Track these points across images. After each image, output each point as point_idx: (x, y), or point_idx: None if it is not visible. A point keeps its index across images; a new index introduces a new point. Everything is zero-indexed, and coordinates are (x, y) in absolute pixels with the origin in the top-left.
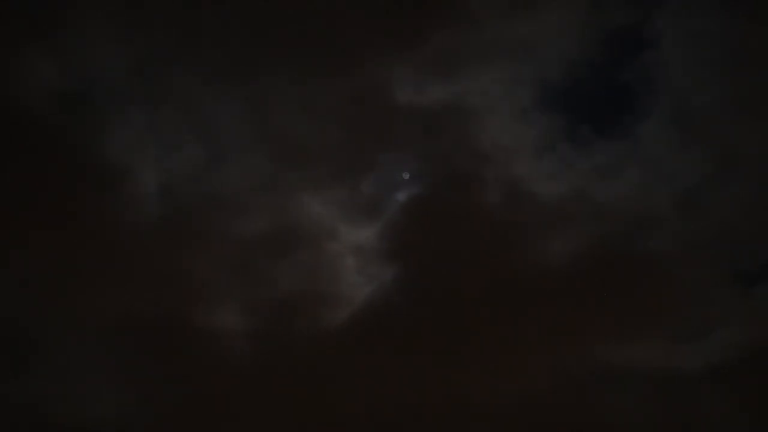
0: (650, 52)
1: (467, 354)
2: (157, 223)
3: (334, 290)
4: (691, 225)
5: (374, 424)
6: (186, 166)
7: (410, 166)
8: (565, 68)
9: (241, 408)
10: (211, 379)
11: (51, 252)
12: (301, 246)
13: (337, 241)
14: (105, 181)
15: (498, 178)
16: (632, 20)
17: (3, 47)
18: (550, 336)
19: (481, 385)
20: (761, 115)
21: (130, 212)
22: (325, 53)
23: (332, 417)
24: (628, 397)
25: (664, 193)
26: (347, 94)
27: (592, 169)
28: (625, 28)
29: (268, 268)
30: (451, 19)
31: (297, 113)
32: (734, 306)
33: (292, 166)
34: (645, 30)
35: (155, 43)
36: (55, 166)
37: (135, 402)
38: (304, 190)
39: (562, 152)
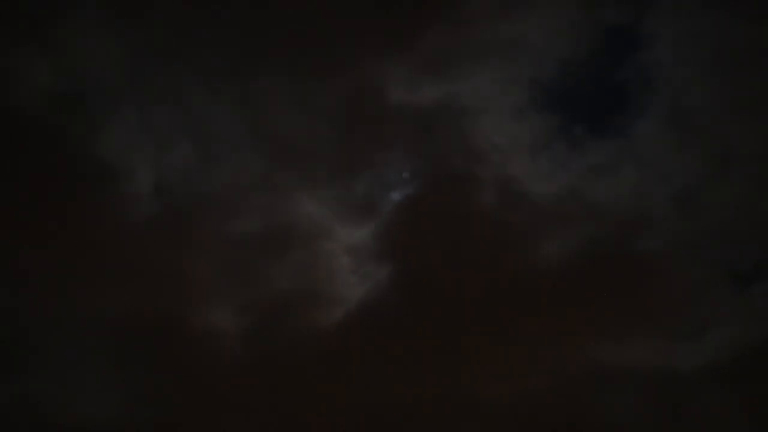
0: (645, 51)
1: (463, 354)
2: (151, 222)
3: (329, 290)
4: (687, 225)
5: (370, 423)
6: (180, 166)
7: (405, 166)
8: (560, 67)
9: (236, 407)
10: (206, 379)
11: (45, 252)
12: (295, 245)
13: (332, 240)
14: (98, 180)
15: (493, 177)
16: (627, 19)
17: None
18: (546, 335)
19: (476, 385)
20: (757, 115)
21: (123, 212)
22: (320, 52)
23: (328, 416)
24: (625, 397)
25: (660, 193)
26: (341, 93)
27: (587, 168)
28: (620, 27)
29: (263, 267)
30: (445, 19)
31: (291, 112)
32: (730, 306)
33: (287, 165)
34: (640, 29)
35: (148, 43)
36: (48, 166)
37: (130, 401)
38: (298, 189)
39: (557, 152)
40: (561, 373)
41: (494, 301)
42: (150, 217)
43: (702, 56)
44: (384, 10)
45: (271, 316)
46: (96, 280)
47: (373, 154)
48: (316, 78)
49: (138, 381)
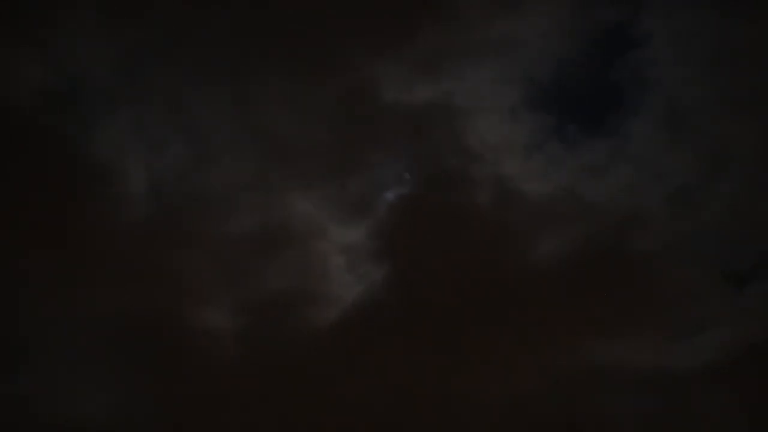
0: (639, 51)
1: (458, 353)
2: (145, 222)
3: (325, 289)
4: (683, 224)
5: (366, 422)
6: (174, 165)
7: (405, 166)
8: (554, 67)
9: (232, 407)
10: (202, 378)
11: (40, 252)
12: (291, 245)
13: (327, 240)
14: (93, 180)
15: (487, 177)
16: (621, 18)
17: None
18: (541, 335)
19: (471, 385)
20: (752, 114)
21: (118, 211)
22: (314, 52)
23: (323, 416)
24: (621, 396)
25: (655, 192)
26: (336, 93)
27: (581, 168)
28: (613, 26)
29: (258, 266)
30: (438, 18)
31: (285, 112)
32: (725, 305)
33: (281, 165)
34: (634, 28)
35: (142, 42)
36: (42, 166)
37: (125, 401)
38: (293, 189)
39: (551, 151)
40: (556, 373)
41: (490, 300)
42: (145, 217)
43: (696, 55)
44: (377, 11)
45: (267, 315)
46: (91, 280)
47: (368, 154)
48: (310, 78)
49: (134, 380)
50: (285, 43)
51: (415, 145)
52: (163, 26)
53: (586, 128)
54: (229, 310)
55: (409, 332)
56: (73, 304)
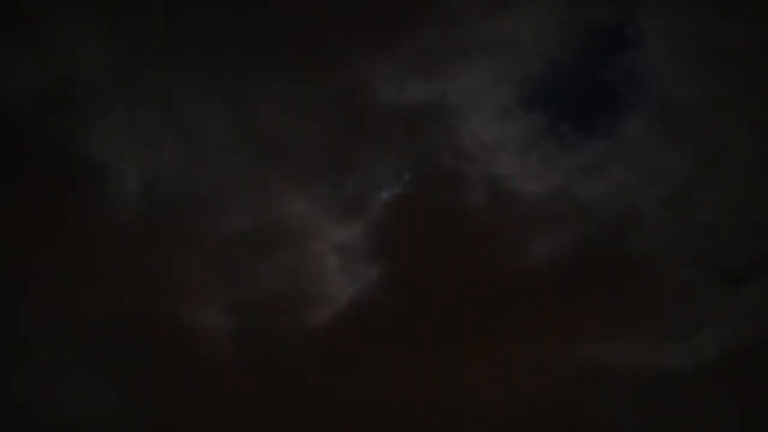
0: (633, 50)
1: (454, 353)
2: (139, 222)
3: (319, 289)
4: (678, 224)
5: (361, 423)
6: (168, 165)
7: (394, 165)
8: (548, 66)
9: (227, 407)
10: (197, 378)
11: (34, 252)
12: (285, 245)
13: (322, 239)
14: (87, 180)
15: (481, 176)
16: (615, 18)
17: None
18: (537, 335)
19: (467, 385)
20: (746, 113)
21: (112, 212)
22: (308, 52)
23: (318, 416)
24: (615, 396)
25: (649, 192)
26: (330, 92)
27: (575, 167)
28: (607, 25)
29: (253, 266)
30: (432, 17)
31: (279, 111)
32: (721, 305)
33: (275, 164)
34: (628, 27)
35: (135, 42)
36: (36, 166)
37: (120, 401)
38: (287, 188)
39: (545, 151)
40: (552, 373)
41: (485, 300)
42: (139, 217)
43: (691, 55)
44: (371, 10)
45: (262, 315)
46: (86, 281)
47: (363, 154)
48: (305, 77)
49: (130, 380)
50: (279, 43)
51: (410, 145)
52: (157, 26)
53: (580, 128)
54: (225, 310)
55: (404, 332)
56: (67, 304)
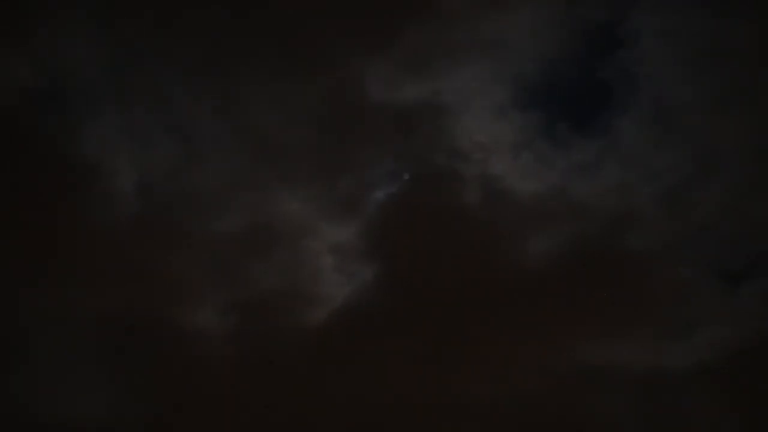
0: (628, 49)
1: (449, 353)
2: (134, 222)
3: (315, 288)
4: (674, 223)
5: (356, 423)
6: (163, 165)
7: (388, 165)
8: (543, 65)
9: (222, 407)
10: (192, 378)
11: (28, 252)
12: (280, 244)
13: (317, 239)
14: (80, 180)
15: (477, 176)
16: (610, 17)
17: None
18: (533, 335)
19: (463, 385)
20: (743, 112)
21: (107, 211)
22: (302, 52)
23: (314, 416)
24: (613, 396)
25: (645, 191)
26: (324, 92)
27: (571, 167)
28: (602, 24)
29: (248, 266)
30: (426, 17)
31: (273, 111)
32: (719, 305)
33: (269, 164)
34: (623, 26)
35: (129, 41)
36: (30, 166)
37: (117, 401)
38: (282, 188)
39: (540, 150)
40: (548, 373)
41: (480, 300)
42: (134, 217)
43: (686, 54)
44: (365, 10)
45: (257, 315)
46: (80, 280)
47: (358, 153)
48: (299, 77)
49: (124, 380)
50: (273, 43)
51: (405, 144)
52: (151, 26)
53: (575, 127)
54: (220, 309)
55: (400, 332)
56: (63, 304)
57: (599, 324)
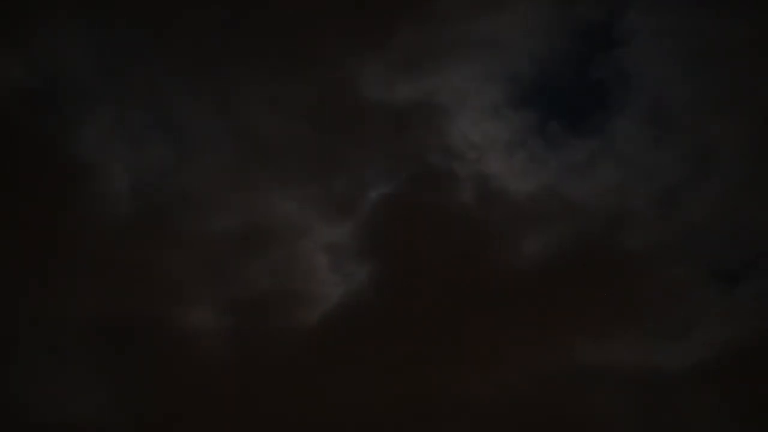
0: (622, 48)
1: (444, 353)
2: (128, 222)
3: (309, 288)
4: (669, 223)
5: (351, 422)
6: (157, 165)
7: (383, 164)
8: (537, 65)
9: (217, 406)
10: (187, 378)
11: (23, 252)
12: (274, 244)
13: (311, 239)
14: (74, 180)
15: (471, 175)
16: (604, 16)
17: None
18: (528, 335)
19: (457, 385)
20: (738, 112)
21: (101, 211)
22: (296, 51)
23: (309, 416)
24: (609, 396)
25: (640, 191)
26: (318, 91)
27: (565, 166)
28: (596, 23)
29: (242, 266)
30: (420, 16)
31: (268, 111)
32: (715, 305)
33: (265, 164)
34: (617, 25)
35: (122, 41)
36: (23, 166)
37: (112, 401)
38: (276, 188)
39: (534, 149)
40: (544, 372)
41: (475, 299)
42: (128, 217)
43: (681, 53)
44: (358, 9)
45: (252, 315)
46: (73, 280)
47: (352, 153)
48: (293, 77)
49: (119, 381)
50: (268, 43)
51: (399, 144)
52: (144, 25)
53: (569, 127)
54: (214, 309)
55: (395, 332)
56: (58, 305)
57: (595, 324)
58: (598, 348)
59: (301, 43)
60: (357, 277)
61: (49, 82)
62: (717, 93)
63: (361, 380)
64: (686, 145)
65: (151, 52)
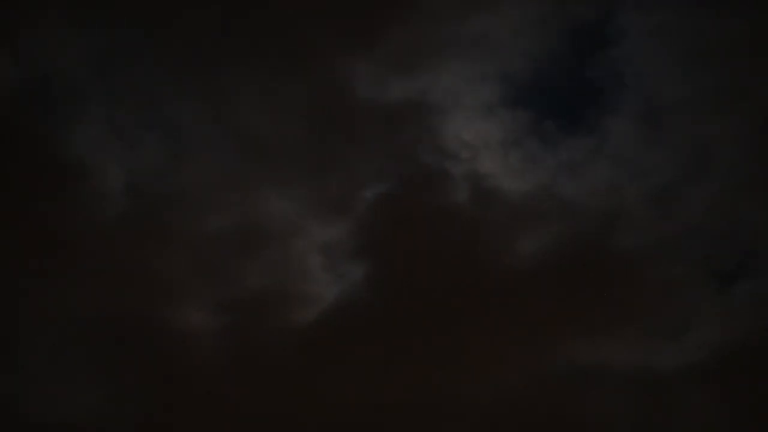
0: (616, 47)
1: (439, 353)
2: (122, 221)
3: (304, 288)
4: (665, 222)
5: (347, 422)
6: (150, 164)
7: (377, 164)
8: (531, 64)
9: (212, 406)
10: (182, 377)
11: (18, 252)
12: (269, 244)
13: (306, 238)
14: (68, 179)
15: (465, 175)
16: (598, 15)
17: None
18: (523, 334)
19: (454, 384)
20: (733, 111)
21: (95, 211)
22: (289, 51)
23: (304, 416)
24: (604, 396)
25: (635, 190)
26: (312, 91)
27: (560, 165)
28: (590, 22)
29: (237, 265)
30: (413, 16)
31: (261, 110)
32: (711, 305)
33: (259, 163)
34: (611, 24)
35: (117, 40)
36: (18, 166)
37: (106, 401)
38: (271, 187)
39: (529, 149)
40: (539, 372)
41: (470, 299)
42: (122, 216)
43: (675, 52)
44: (351, 9)
45: (247, 314)
46: (68, 280)
47: (346, 152)
48: (287, 76)
49: (115, 380)
50: (261, 43)
51: (393, 144)
52: (138, 24)
53: (564, 126)
54: (209, 309)
55: (390, 331)
56: (51, 304)
57: (590, 324)
58: (593, 348)
59: (295, 43)
60: (352, 277)
61: (44, 82)
62: (711, 92)
63: (356, 380)
64: (682, 145)
65: (146, 52)
